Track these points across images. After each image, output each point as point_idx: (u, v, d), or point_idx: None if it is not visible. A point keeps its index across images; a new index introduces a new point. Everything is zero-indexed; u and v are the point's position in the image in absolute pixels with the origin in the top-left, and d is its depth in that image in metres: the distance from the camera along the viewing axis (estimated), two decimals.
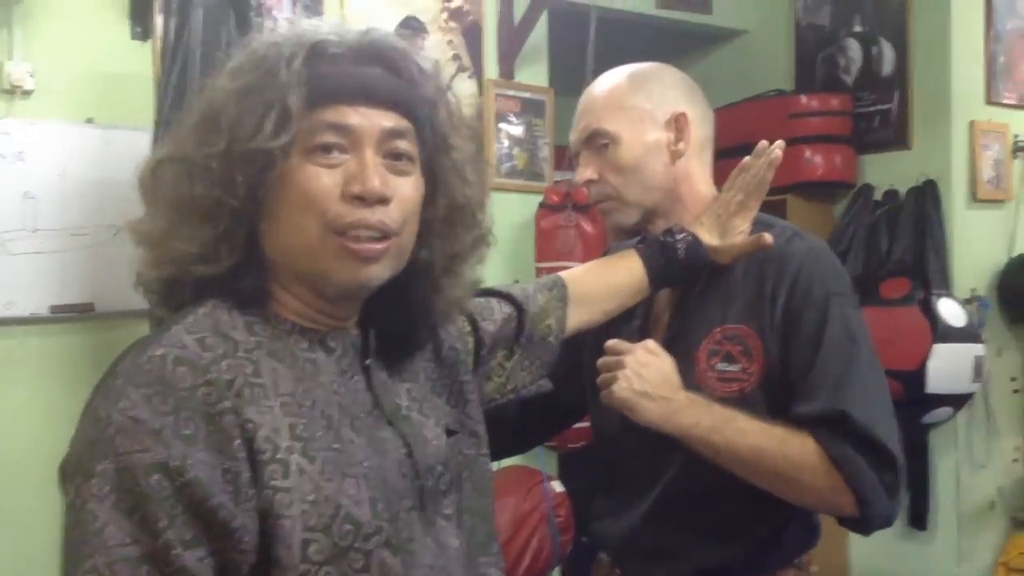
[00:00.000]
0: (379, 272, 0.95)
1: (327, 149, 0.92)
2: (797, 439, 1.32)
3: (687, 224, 1.45)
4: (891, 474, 1.31)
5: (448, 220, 1.02)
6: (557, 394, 1.45)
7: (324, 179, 0.92)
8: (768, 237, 1.40)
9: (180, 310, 0.94)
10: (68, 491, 0.85)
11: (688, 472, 1.40)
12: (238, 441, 0.86)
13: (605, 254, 1.67)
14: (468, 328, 1.22)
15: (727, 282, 1.43)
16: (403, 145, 0.96)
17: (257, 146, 0.90)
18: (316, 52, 0.94)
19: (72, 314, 2.46)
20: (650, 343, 1.41)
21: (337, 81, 0.93)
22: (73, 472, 0.85)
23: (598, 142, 1.45)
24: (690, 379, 1.40)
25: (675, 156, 1.46)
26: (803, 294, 1.37)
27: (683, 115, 1.46)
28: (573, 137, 1.50)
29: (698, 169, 1.49)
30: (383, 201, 0.93)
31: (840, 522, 1.39)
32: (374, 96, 0.94)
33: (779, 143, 1.44)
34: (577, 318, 1.37)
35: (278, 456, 0.87)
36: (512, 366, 1.29)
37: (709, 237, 1.43)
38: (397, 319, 1.04)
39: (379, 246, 0.94)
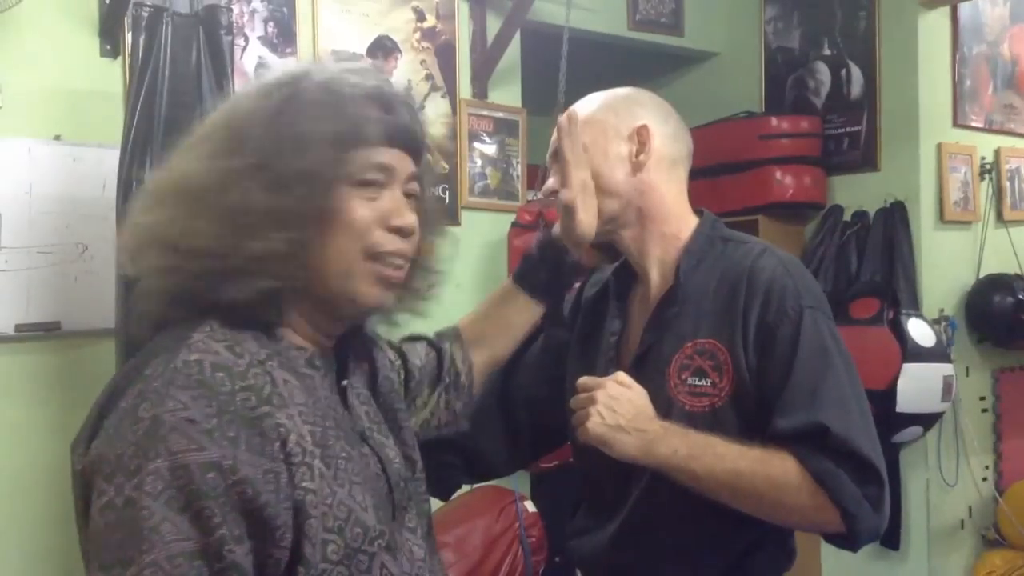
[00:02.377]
0: (395, 297, 1.08)
1: (370, 184, 1.03)
2: (777, 459, 1.31)
3: (658, 239, 1.48)
4: (875, 487, 1.31)
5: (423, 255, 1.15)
6: (545, 415, 1.45)
7: (366, 210, 1.02)
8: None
9: (178, 325, 0.97)
10: (105, 490, 0.87)
11: (657, 491, 1.39)
12: (277, 444, 0.91)
13: (585, 283, 1.67)
14: (399, 362, 1.32)
15: (698, 297, 1.44)
16: (415, 187, 1.09)
17: (339, 175, 1.00)
18: (375, 95, 1.04)
19: (38, 332, 2.42)
20: (620, 375, 1.41)
21: (387, 125, 1.04)
22: (112, 472, 0.87)
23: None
24: (662, 394, 1.41)
25: (636, 168, 1.47)
26: (776, 309, 1.37)
27: (645, 127, 1.47)
28: (548, 155, 1.53)
29: (665, 183, 1.49)
30: (412, 234, 1.06)
31: (827, 539, 1.38)
32: (408, 143, 1.07)
33: (569, 112, 1.48)
34: (483, 358, 1.46)
35: (305, 460, 0.94)
36: (434, 402, 1.38)
37: (556, 228, 1.49)
38: (356, 340, 1.14)
39: (402, 273, 1.07)
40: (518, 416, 1.63)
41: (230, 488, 0.87)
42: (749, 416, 1.37)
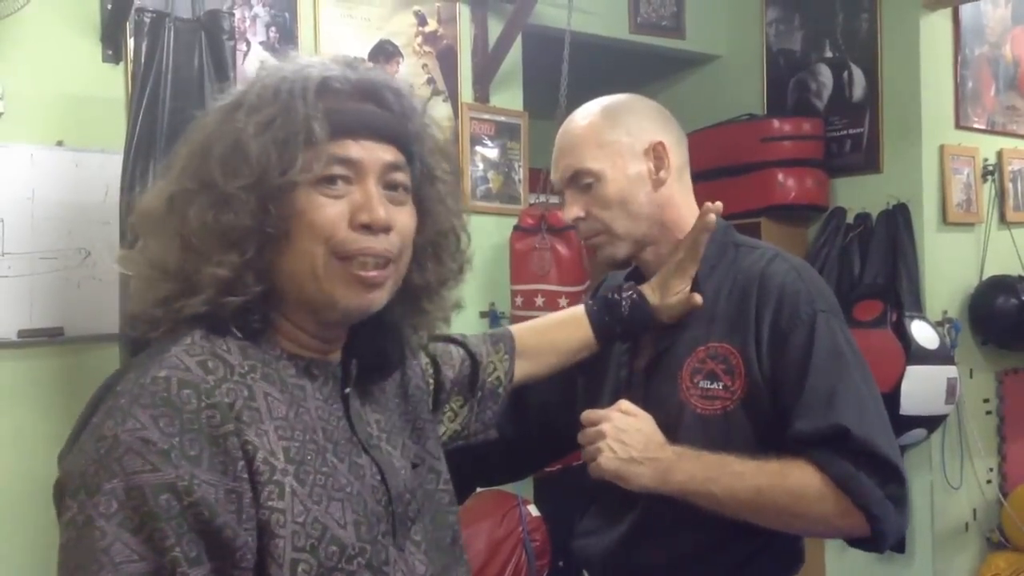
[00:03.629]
0: (381, 297, 1.01)
1: (333, 180, 0.97)
2: (796, 469, 1.31)
3: (675, 249, 1.47)
4: (896, 486, 1.30)
5: (436, 247, 1.09)
6: (558, 420, 1.44)
7: (329, 208, 0.96)
8: (698, 297, 1.43)
9: (167, 335, 0.96)
10: (70, 506, 0.86)
11: (662, 496, 1.39)
12: (241, 463, 0.89)
13: (601, 284, 1.67)
14: (431, 371, 1.28)
15: (710, 302, 1.44)
16: (400, 177, 1.02)
17: (288, 180, 0.95)
18: (323, 87, 0.98)
19: (41, 338, 2.42)
20: (624, 404, 1.40)
21: (343, 116, 0.98)
22: (76, 489, 0.86)
23: (582, 181, 1.47)
24: (674, 398, 1.41)
25: (657, 184, 1.47)
26: (789, 314, 1.37)
27: (661, 143, 1.47)
28: (555, 176, 1.51)
29: (679, 193, 1.51)
30: (387, 230, 0.99)
31: (852, 543, 1.37)
32: (375, 131, 1.00)
33: (717, 206, 1.45)
34: (523, 371, 1.43)
35: (274, 478, 0.91)
36: (465, 413, 1.35)
37: (652, 296, 1.46)
38: (377, 344, 1.09)
39: (382, 273, 0.99)
40: (531, 421, 1.63)
41: (185, 510, 0.85)
42: (762, 419, 1.37)
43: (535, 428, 1.64)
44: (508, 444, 1.65)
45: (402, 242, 1.01)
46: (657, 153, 1.47)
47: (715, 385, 1.40)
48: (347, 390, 1.05)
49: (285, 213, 0.95)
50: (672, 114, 1.55)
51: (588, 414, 1.41)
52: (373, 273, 0.98)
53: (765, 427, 1.36)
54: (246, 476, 0.89)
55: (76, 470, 0.88)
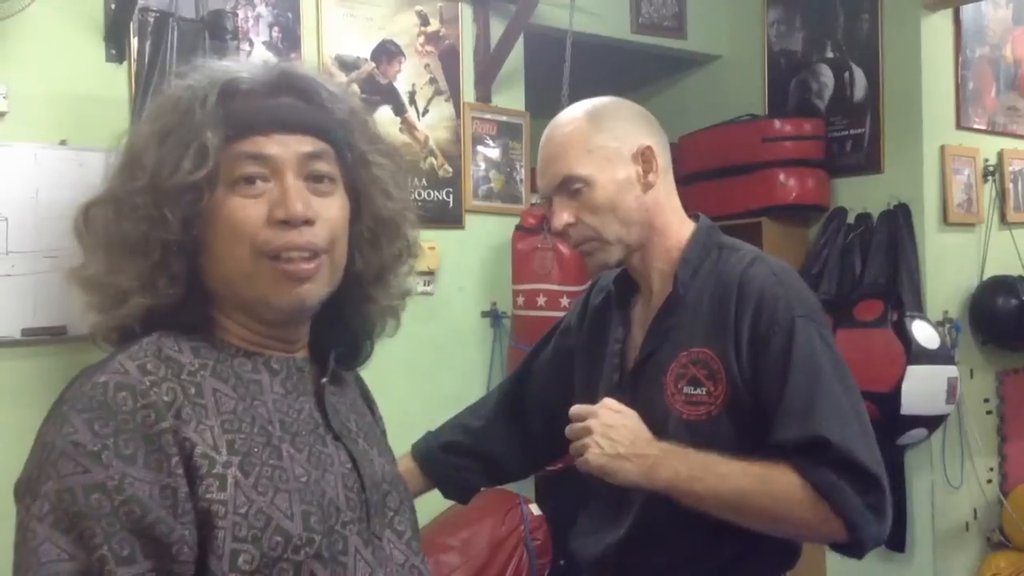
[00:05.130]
0: (315, 290, 1.00)
1: (249, 180, 0.97)
2: (779, 474, 1.31)
3: (662, 252, 1.48)
4: (876, 495, 1.31)
5: (374, 232, 1.08)
6: (557, 419, 1.46)
7: (249, 209, 0.97)
8: None
9: (130, 337, 0.99)
10: (19, 511, 0.90)
11: (661, 497, 1.40)
12: (176, 459, 0.90)
13: (593, 286, 1.68)
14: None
15: (695, 306, 1.45)
16: (322, 167, 1.01)
17: (178, 182, 0.95)
18: (228, 90, 0.99)
19: (44, 337, 2.43)
20: (609, 401, 1.42)
21: (250, 114, 0.98)
22: (23, 494, 0.90)
23: (571, 187, 1.46)
24: (659, 403, 1.41)
25: (646, 188, 1.48)
26: (768, 319, 1.37)
27: (649, 147, 1.48)
28: (543, 183, 1.50)
29: (665, 196, 1.51)
30: (308, 222, 0.98)
31: (833, 548, 1.39)
32: (287, 124, 0.99)
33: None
34: None
35: (215, 471, 0.92)
36: None
37: None
38: (341, 336, 1.11)
39: (310, 265, 0.99)
40: (531, 421, 1.64)
41: (116, 509, 0.86)
42: (745, 423, 1.38)
43: (537, 428, 1.66)
44: (511, 444, 1.67)
45: (331, 232, 1.00)
46: (645, 157, 1.47)
47: (698, 391, 1.41)
48: (324, 380, 1.06)
49: (204, 219, 0.96)
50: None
51: (576, 409, 1.42)
52: (300, 266, 0.98)
53: (749, 431, 1.37)
54: (181, 471, 0.90)
55: (24, 476, 0.91)
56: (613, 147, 1.46)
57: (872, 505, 1.31)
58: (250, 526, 0.91)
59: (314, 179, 1.00)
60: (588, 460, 1.37)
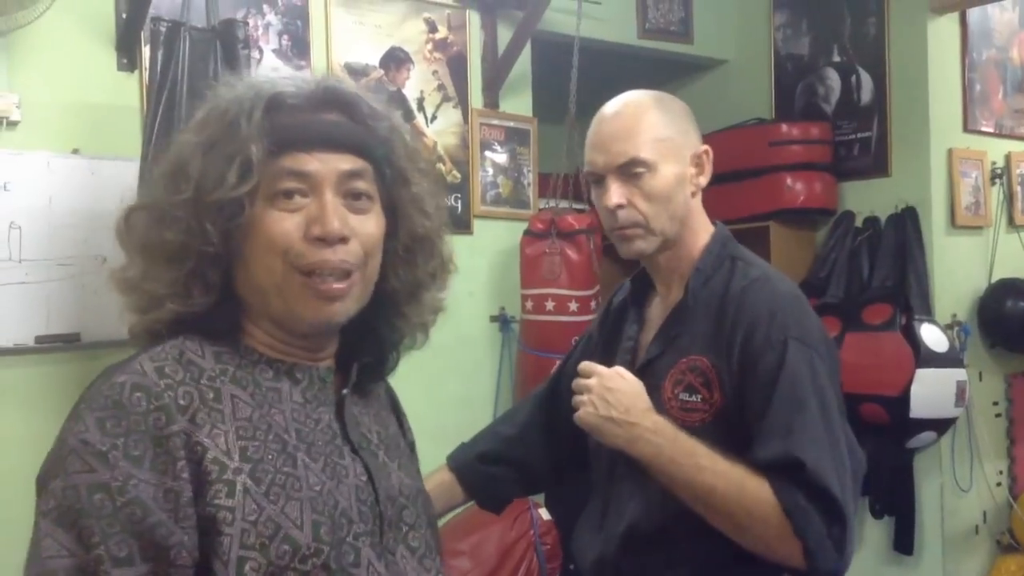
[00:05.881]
0: (344, 308, 1.01)
1: (288, 195, 0.98)
2: (754, 485, 1.32)
3: (686, 256, 1.50)
4: (839, 528, 1.31)
5: (410, 250, 1.09)
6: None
7: (286, 223, 0.98)
8: None
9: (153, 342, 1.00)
10: (37, 505, 0.92)
11: (659, 499, 1.41)
12: (182, 463, 0.91)
13: (612, 298, 1.68)
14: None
15: (701, 315, 1.46)
16: (361, 185, 1.02)
17: (222, 196, 0.96)
18: (274, 104, 1.00)
19: (58, 344, 2.45)
20: (620, 368, 1.45)
21: (294, 130, 0.99)
22: (38, 491, 0.92)
23: (633, 169, 1.47)
24: (657, 407, 1.43)
25: (694, 190, 1.51)
26: (762, 337, 1.38)
27: (707, 151, 1.52)
28: (604, 159, 1.49)
29: (699, 202, 1.54)
30: (343, 240, 0.99)
31: (789, 572, 1.38)
32: (330, 141, 1.00)
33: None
34: None
35: (224, 476, 0.92)
36: None
37: None
38: (370, 348, 1.11)
39: (343, 284, 1.00)
40: (562, 427, 1.66)
41: (118, 510, 0.87)
42: (734, 435, 1.39)
43: (567, 435, 1.67)
44: (545, 452, 1.68)
45: (365, 249, 1.01)
46: (701, 160, 1.51)
47: (693, 398, 1.42)
48: (344, 391, 1.06)
49: (242, 230, 0.98)
50: None
51: (583, 365, 1.46)
52: (333, 286, 0.99)
53: (738, 443, 1.38)
54: (187, 476, 0.90)
55: (40, 471, 0.93)
56: (679, 142, 1.49)
57: (834, 537, 1.31)
58: (258, 534, 0.92)
59: (352, 196, 1.01)
60: (580, 416, 1.42)
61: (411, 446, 1.21)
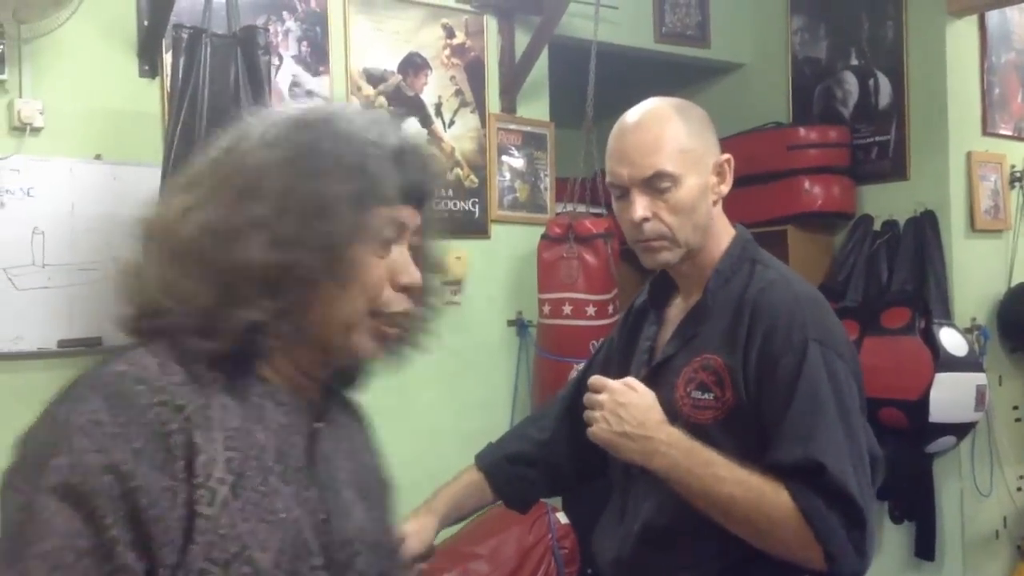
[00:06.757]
0: (387, 351, 1.05)
1: (387, 243, 1.01)
2: (772, 491, 1.32)
3: (708, 261, 1.50)
4: (859, 531, 1.31)
5: (418, 299, 1.09)
6: None
7: (380, 268, 1.00)
8: None
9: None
10: (16, 493, 0.87)
11: (673, 498, 1.41)
12: (182, 462, 0.88)
13: (634, 303, 1.69)
14: None
15: (718, 316, 1.46)
16: (418, 239, 1.06)
17: (358, 238, 0.97)
18: (398, 155, 1.01)
19: (80, 348, 2.47)
20: (629, 379, 1.45)
21: (406, 182, 1.01)
22: (24, 470, 0.87)
23: (660, 183, 1.45)
24: (669, 404, 1.43)
25: (716, 199, 1.51)
26: (781, 340, 1.38)
27: (729, 160, 1.51)
28: (626, 171, 1.48)
29: (720, 207, 1.54)
30: (419, 293, 1.04)
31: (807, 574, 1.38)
32: (420, 197, 1.05)
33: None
34: None
35: (209, 483, 0.89)
36: None
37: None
38: (350, 379, 1.12)
39: (402, 332, 1.04)
40: (584, 431, 1.67)
41: (126, 494, 0.84)
42: (747, 435, 1.38)
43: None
44: (572, 454, 1.69)
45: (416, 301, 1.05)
46: (723, 169, 1.50)
47: (706, 396, 1.42)
48: (318, 425, 1.03)
49: (338, 269, 0.97)
50: None
51: (593, 380, 1.46)
52: (399, 332, 1.02)
53: (748, 444, 1.38)
54: (184, 476, 0.88)
55: (22, 457, 0.89)
56: (701, 152, 1.48)
57: (855, 540, 1.31)
58: (223, 549, 0.89)
59: (411, 248, 1.04)
60: (594, 433, 1.42)
61: (384, 483, 1.17)
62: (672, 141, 1.46)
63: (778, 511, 1.31)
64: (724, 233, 1.53)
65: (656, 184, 1.46)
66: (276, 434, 0.98)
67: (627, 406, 1.40)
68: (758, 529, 1.34)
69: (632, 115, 1.51)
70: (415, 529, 1.52)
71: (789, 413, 1.34)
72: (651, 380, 1.49)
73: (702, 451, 1.37)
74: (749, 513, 1.34)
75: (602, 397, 1.42)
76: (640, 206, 1.46)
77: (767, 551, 1.37)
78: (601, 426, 1.41)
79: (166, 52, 2.60)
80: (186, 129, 2.23)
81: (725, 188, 1.51)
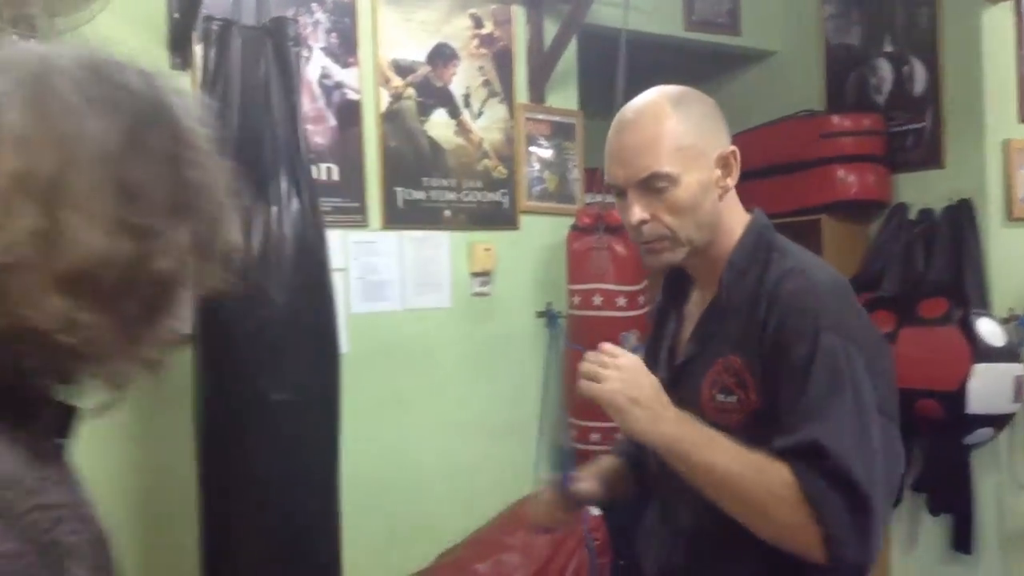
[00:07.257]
0: None
1: None
2: (775, 470, 1.28)
3: (723, 253, 1.46)
4: (863, 516, 1.25)
5: None
6: None
7: None
8: None
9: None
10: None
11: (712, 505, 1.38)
12: None
13: (663, 291, 1.67)
14: None
15: (736, 310, 1.42)
16: None
17: None
18: None
19: None
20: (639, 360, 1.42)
21: None
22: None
23: (656, 184, 1.41)
24: (695, 409, 1.39)
25: (722, 192, 1.44)
26: (793, 327, 1.33)
27: (734, 152, 1.44)
28: (625, 174, 1.43)
29: (733, 198, 1.48)
30: None
31: (806, 570, 1.32)
32: None
33: None
34: None
35: None
36: None
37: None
38: None
39: None
40: None
41: None
42: (767, 432, 1.34)
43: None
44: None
45: None
46: (727, 161, 1.44)
47: (729, 399, 1.38)
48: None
49: None
50: (730, 111, 1.51)
51: (609, 347, 1.40)
52: None
53: (769, 440, 1.33)
54: None
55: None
56: (700, 147, 1.42)
57: (859, 525, 1.25)
58: None
59: None
60: (603, 388, 1.35)
61: None
62: (668, 139, 1.40)
63: (780, 489, 1.26)
64: (736, 224, 1.47)
65: (653, 185, 1.40)
66: None
67: (641, 383, 1.36)
68: (757, 507, 1.29)
69: (627, 111, 1.46)
70: (588, 476, 1.65)
71: (800, 400, 1.30)
72: (674, 382, 1.46)
73: (705, 428, 1.34)
74: (749, 488, 1.29)
75: (620, 360, 1.37)
76: (637, 208, 1.42)
77: (768, 537, 1.31)
78: (612, 385, 1.35)
79: (196, 44, 2.61)
80: (218, 121, 2.23)
81: (731, 181, 1.44)
